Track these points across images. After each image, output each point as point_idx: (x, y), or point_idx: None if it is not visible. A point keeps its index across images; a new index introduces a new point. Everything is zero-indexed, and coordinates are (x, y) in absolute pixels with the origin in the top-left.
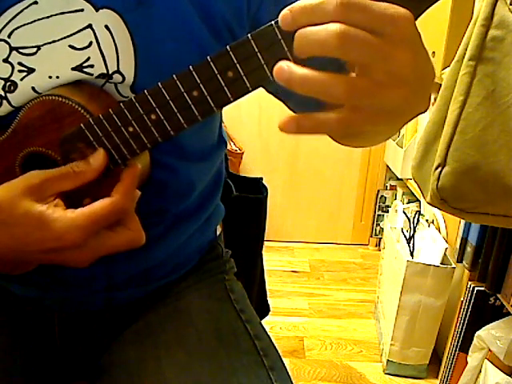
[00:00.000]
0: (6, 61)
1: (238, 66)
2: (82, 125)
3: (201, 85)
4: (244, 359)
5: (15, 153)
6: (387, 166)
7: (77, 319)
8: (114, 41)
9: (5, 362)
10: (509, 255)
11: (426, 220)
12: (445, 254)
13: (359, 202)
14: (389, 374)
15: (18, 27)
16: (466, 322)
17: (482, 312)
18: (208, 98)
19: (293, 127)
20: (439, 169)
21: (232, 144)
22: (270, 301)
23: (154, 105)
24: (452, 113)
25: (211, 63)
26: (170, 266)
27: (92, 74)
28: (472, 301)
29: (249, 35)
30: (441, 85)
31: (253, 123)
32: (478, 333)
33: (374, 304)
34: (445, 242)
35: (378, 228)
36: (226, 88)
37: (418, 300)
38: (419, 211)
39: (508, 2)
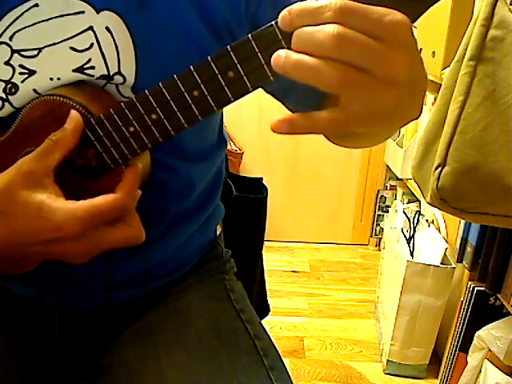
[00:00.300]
0: (7, 63)
1: (238, 66)
2: None
3: (201, 85)
4: (244, 359)
5: (16, 152)
6: (387, 166)
7: (77, 319)
8: (114, 42)
9: (5, 362)
10: (509, 255)
11: (426, 220)
12: (445, 254)
13: (359, 202)
14: (389, 374)
15: (19, 30)
16: (466, 322)
17: (482, 312)
18: (208, 97)
19: (285, 127)
20: (439, 169)
21: (232, 144)
22: (270, 301)
23: (155, 104)
24: (452, 113)
25: (212, 63)
26: (170, 266)
27: (93, 76)
28: (472, 301)
29: (249, 35)
30: (441, 85)
31: (253, 123)
32: (478, 333)
33: (374, 304)
34: (445, 242)
35: (378, 228)
36: (226, 88)
37: (417, 300)
38: (419, 211)
39: (508, 2)
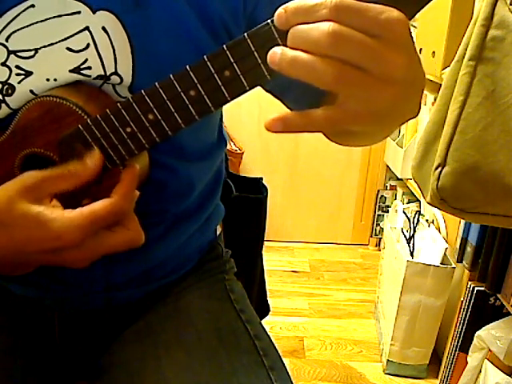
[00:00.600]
0: (3, 64)
1: (234, 65)
2: (79, 125)
3: (198, 84)
4: (244, 359)
5: (14, 154)
6: (387, 166)
7: (77, 319)
8: (111, 42)
9: (5, 362)
10: (509, 255)
11: (426, 220)
12: (445, 254)
13: (359, 202)
14: (389, 374)
15: (16, 31)
16: (466, 322)
17: (482, 312)
18: (205, 97)
19: (280, 126)
20: (439, 169)
21: (232, 144)
22: (270, 301)
23: (152, 105)
24: (452, 113)
25: (208, 63)
26: (170, 267)
27: (90, 76)
28: (472, 301)
29: (245, 34)
30: (441, 85)
31: (253, 123)
32: (478, 333)
33: (374, 304)
34: (445, 242)
35: (378, 228)
36: (223, 87)
37: (417, 300)
38: (419, 211)
39: (508, 2)
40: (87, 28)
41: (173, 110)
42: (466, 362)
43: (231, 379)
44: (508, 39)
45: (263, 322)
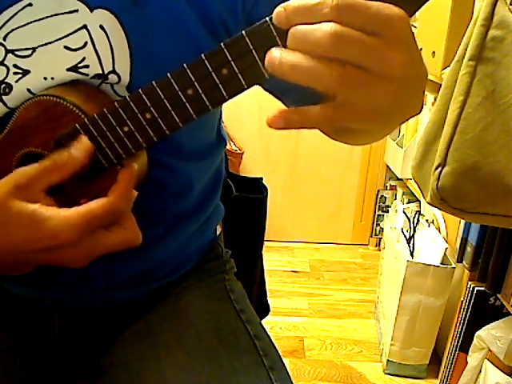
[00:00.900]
0: (1, 63)
1: (232, 63)
2: (76, 125)
3: (195, 83)
4: (244, 359)
5: (12, 154)
6: (387, 166)
7: (77, 319)
8: (109, 41)
9: (5, 361)
10: (509, 255)
11: (426, 220)
12: (445, 254)
13: (359, 202)
14: (389, 374)
15: (13, 30)
16: (466, 322)
17: (482, 312)
18: (203, 96)
19: (280, 122)
20: (439, 169)
21: (232, 144)
22: (270, 301)
23: (149, 103)
24: (452, 113)
25: (205, 61)
26: (170, 267)
27: (87, 75)
28: (472, 301)
29: (243, 32)
30: (441, 85)
31: (253, 123)
32: (478, 333)
33: (374, 304)
34: (445, 242)
35: (378, 228)
36: (220, 86)
37: (417, 300)
38: (419, 211)
39: (508, 2)
40: (85, 26)
41: (170, 109)
42: (466, 362)
43: (231, 379)
44: (508, 39)
45: (263, 322)
